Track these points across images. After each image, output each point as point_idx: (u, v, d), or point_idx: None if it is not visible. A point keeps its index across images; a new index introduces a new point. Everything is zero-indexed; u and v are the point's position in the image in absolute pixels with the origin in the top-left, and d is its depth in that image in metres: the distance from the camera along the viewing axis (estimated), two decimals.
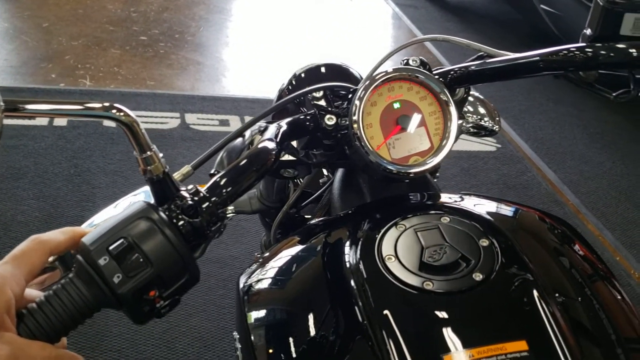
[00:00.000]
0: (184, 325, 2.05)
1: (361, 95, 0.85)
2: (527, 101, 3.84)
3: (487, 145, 3.35)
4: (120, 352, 1.95)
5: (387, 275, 0.73)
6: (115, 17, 4.19)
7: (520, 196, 2.99)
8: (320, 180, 1.20)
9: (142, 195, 0.76)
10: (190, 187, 0.67)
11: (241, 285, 0.86)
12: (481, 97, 1.26)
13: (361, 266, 0.75)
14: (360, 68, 1.24)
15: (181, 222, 0.63)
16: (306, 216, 1.21)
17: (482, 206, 0.88)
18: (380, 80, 0.86)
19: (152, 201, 0.66)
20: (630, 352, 0.72)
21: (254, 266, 0.88)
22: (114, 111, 0.61)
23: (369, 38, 4.65)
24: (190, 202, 0.64)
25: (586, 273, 0.81)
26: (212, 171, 0.86)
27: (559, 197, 3.04)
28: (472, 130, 1.24)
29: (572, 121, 3.71)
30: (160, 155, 0.65)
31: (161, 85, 3.46)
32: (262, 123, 0.88)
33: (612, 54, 0.82)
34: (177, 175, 0.75)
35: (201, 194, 0.66)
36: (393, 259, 0.74)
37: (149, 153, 0.63)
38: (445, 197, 0.91)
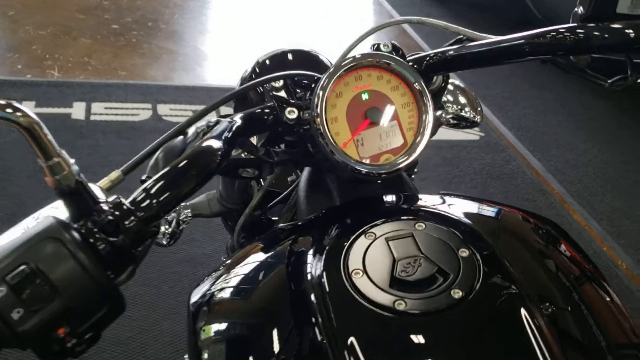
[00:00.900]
0: (154, 330, 1.94)
1: (324, 85, 0.75)
2: (510, 87, 3.76)
3: (470, 134, 3.27)
4: (85, 359, 1.84)
5: (353, 293, 0.63)
6: (85, 5, 4.03)
7: (504, 186, 2.92)
8: (289, 179, 1.10)
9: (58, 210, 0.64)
10: (112, 198, 0.56)
11: (192, 300, 0.77)
12: (462, 85, 1.17)
13: (325, 283, 0.65)
14: (335, 55, 1.14)
15: (99, 243, 0.53)
16: (273, 218, 1.11)
17: (461, 209, 0.79)
18: (345, 67, 0.75)
19: (68, 216, 0.55)
20: (623, 359, 0.66)
21: (207, 279, 0.78)
22: (8, 110, 0.49)
23: (348, 23, 4.53)
24: (110, 218, 0.53)
25: (575, 278, 0.74)
26: (143, 177, 0.75)
27: (544, 186, 2.97)
28: (451, 121, 1.15)
29: (556, 108, 3.64)
30: (72, 161, 0.53)
31: (133, 75, 3.33)
32: (212, 118, 0.78)
33: (607, 35, 0.72)
34: (104, 182, 0.64)
35: (124, 207, 0.55)
36: (361, 273, 0.65)
37: (56, 160, 0.52)
38: (421, 199, 0.81)
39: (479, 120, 1.13)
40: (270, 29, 4.15)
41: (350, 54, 0.82)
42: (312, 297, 0.65)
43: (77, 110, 2.92)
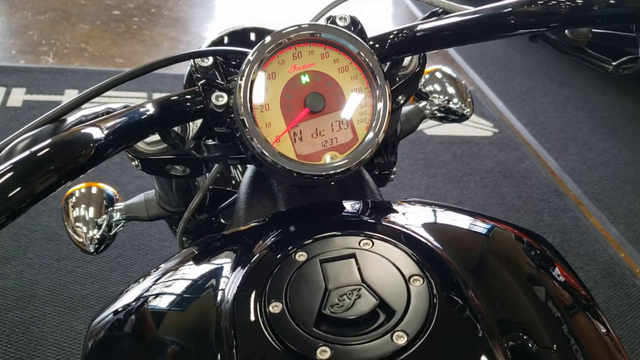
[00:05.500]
0: None
1: (251, 62, 0.60)
2: (528, 82, 3.56)
3: (483, 129, 3.09)
4: None
5: (265, 331, 0.49)
6: None
7: (517, 185, 2.74)
8: None
9: None
10: None
11: (90, 328, 0.63)
12: (453, 74, 1.01)
13: (234, 313, 0.51)
14: None
15: None
16: (225, 222, 0.96)
17: (428, 222, 0.63)
18: (277, 42, 0.60)
19: None
20: None
21: (110, 305, 0.64)
22: None
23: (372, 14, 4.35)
24: None
25: (565, 309, 0.58)
26: None
27: (560, 187, 2.78)
28: (437, 114, 0.99)
29: (576, 104, 3.43)
30: None
31: (130, 63, 3.20)
32: (115, 105, 0.64)
33: (612, 1, 0.55)
34: None
35: None
36: (280, 306, 0.50)
37: None
38: (378, 208, 0.66)
39: (468, 113, 0.98)
40: (281, 17, 3.99)
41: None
42: (215, 328, 0.51)
43: (69, 98, 2.79)
